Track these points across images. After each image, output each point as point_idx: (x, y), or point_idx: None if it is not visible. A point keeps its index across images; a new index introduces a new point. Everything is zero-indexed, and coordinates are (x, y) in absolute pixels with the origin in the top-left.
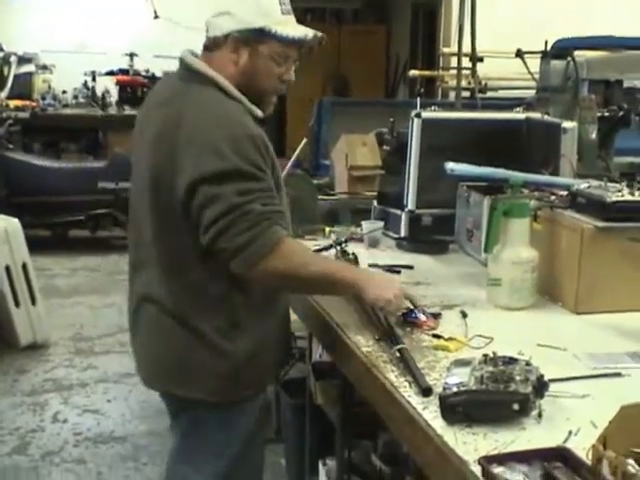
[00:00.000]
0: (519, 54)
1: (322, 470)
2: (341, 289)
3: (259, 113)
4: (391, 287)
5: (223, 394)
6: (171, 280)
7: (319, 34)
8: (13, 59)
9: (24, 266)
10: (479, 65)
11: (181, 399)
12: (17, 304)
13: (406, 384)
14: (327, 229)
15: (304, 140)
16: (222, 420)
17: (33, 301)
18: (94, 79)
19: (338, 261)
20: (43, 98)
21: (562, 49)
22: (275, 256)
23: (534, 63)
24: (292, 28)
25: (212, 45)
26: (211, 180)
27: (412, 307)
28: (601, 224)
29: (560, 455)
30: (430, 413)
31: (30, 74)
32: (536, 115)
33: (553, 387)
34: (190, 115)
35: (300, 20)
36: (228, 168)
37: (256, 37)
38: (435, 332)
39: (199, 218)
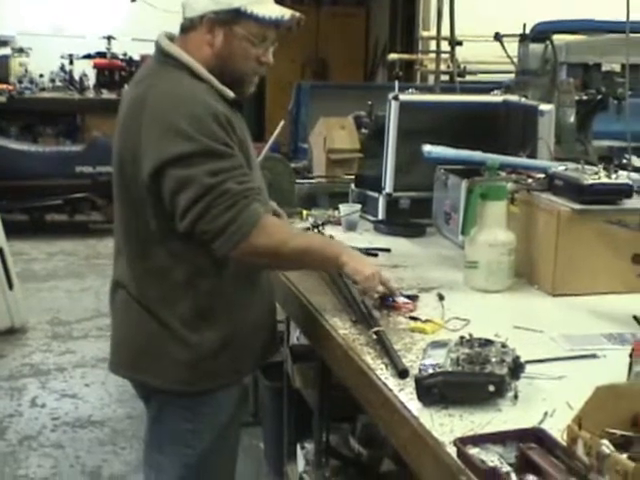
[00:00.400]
0: (497, 37)
1: (300, 453)
2: (324, 263)
3: (230, 94)
4: (370, 266)
5: (188, 384)
6: (135, 265)
7: (297, 14)
8: None
9: (1, 251)
10: (458, 49)
11: (145, 386)
12: None
13: (382, 366)
14: (305, 212)
15: (282, 122)
16: (189, 410)
17: (10, 286)
18: (71, 62)
19: (319, 235)
20: (20, 81)
21: (541, 32)
22: (257, 234)
23: (513, 47)
24: (269, 8)
25: (188, 26)
26: (178, 163)
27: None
28: (578, 207)
29: (535, 436)
30: (406, 395)
31: (6, 57)
32: (513, 98)
33: (529, 368)
34: (152, 96)
35: (278, 1)
36: (195, 149)
37: (232, 17)
38: (412, 314)
39: (173, 204)
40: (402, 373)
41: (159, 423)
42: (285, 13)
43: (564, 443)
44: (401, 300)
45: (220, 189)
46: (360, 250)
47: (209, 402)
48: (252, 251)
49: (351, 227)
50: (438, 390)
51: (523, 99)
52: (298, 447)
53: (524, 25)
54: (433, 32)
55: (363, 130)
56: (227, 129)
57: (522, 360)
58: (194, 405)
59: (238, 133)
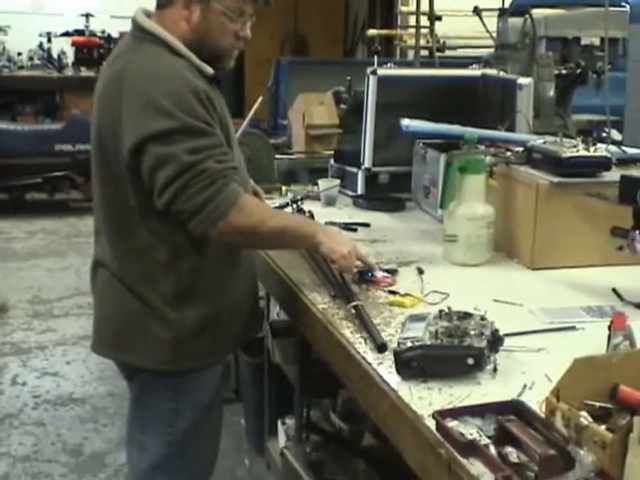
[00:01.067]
0: (476, 12)
1: (281, 429)
2: (301, 242)
3: (209, 70)
4: (346, 244)
5: (169, 363)
6: (116, 245)
7: None
8: None
9: None
10: (437, 24)
11: (128, 365)
12: None
13: (361, 340)
14: (284, 188)
15: (260, 98)
16: (171, 390)
17: None
18: (50, 40)
19: (296, 215)
20: None
21: (520, 6)
22: (235, 213)
23: (492, 21)
24: None
25: (164, 2)
26: (158, 140)
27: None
28: (556, 179)
29: (514, 408)
30: (385, 369)
31: None
32: (492, 72)
33: (508, 341)
34: (131, 72)
35: None
36: (175, 126)
37: None
38: (391, 288)
39: (151, 181)
40: (380, 347)
41: (142, 402)
42: None
43: (543, 415)
44: (380, 274)
45: (199, 168)
46: (339, 225)
47: (192, 381)
48: (230, 230)
49: (330, 202)
50: (417, 363)
51: (502, 73)
52: (279, 423)
53: None
54: (412, 7)
55: (342, 106)
56: (207, 106)
57: (501, 333)
58: (177, 384)
59: (218, 110)
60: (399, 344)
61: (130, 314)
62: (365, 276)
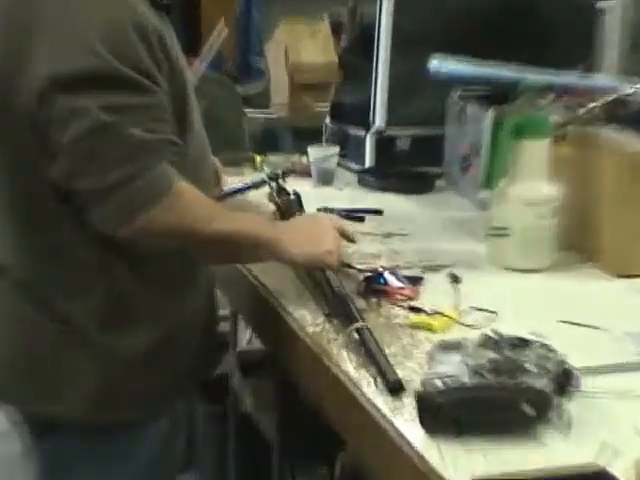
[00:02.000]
0: None
1: None
2: (259, 253)
3: None
4: (323, 234)
5: (93, 412)
6: (23, 244)
7: None
8: None
9: None
10: None
11: (35, 417)
12: None
13: (370, 379)
14: (258, 158)
15: (221, 25)
16: (94, 452)
17: None
18: None
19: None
20: None
21: None
22: (164, 207)
23: None
24: None
25: None
26: (69, 85)
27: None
28: None
29: (594, 479)
30: (405, 420)
31: None
32: None
33: (585, 381)
34: None
35: None
36: (98, 68)
37: None
38: (413, 304)
39: (46, 140)
40: (394, 387)
41: (54, 472)
42: None
43: None
44: (397, 283)
45: (116, 132)
46: (338, 212)
47: (123, 442)
48: (153, 230)
49: (326, 179)
50: (450, 412)
51: None
52: None
53: None
54: None
55: (343, 37)
56: (155, 50)
57: (574, 369)
58: (102, 445)
59: (173, 55)
60: (424, 384)
61: (39, 340)
62: (375, 283)
